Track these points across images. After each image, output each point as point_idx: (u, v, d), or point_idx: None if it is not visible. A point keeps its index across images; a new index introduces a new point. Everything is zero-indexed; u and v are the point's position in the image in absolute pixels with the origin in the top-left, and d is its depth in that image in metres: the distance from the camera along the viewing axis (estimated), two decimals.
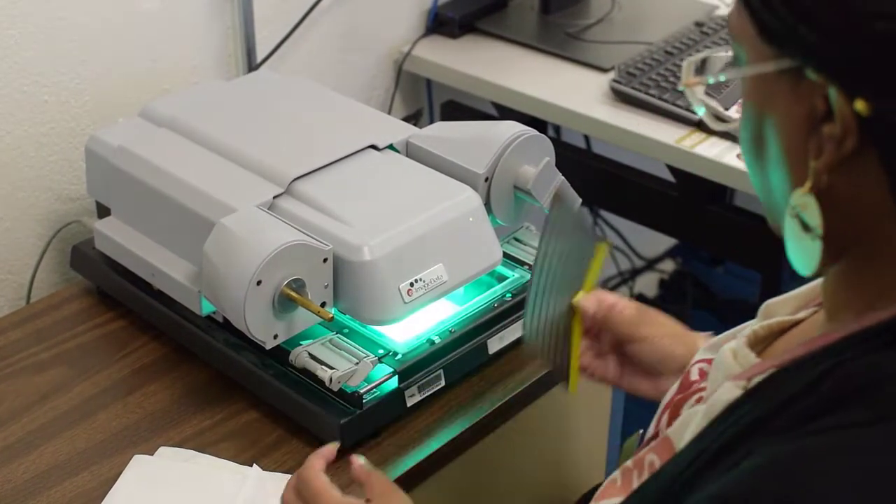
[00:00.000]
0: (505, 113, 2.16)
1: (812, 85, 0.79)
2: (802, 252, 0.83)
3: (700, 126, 1.93)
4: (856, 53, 0.76)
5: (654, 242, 2.91)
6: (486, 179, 1.48)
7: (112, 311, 1.61)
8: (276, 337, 1.35)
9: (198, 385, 1.48)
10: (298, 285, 1.32)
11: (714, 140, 1.91)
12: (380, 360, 1.37)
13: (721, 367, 0.94)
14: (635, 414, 1.73)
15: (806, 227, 0.82)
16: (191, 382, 1.49)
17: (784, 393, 0.81)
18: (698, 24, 2.20)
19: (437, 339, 1.42)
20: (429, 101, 2.31)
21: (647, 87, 1.99)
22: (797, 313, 0.99)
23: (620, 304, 1.25)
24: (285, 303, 1.32)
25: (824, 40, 0.77)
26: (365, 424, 1.35)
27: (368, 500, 1.12)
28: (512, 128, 1.51)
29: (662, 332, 1.26)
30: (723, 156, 1.88)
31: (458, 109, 2.29)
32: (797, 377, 0.82)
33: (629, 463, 0.97)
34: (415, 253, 1.39)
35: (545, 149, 1.53)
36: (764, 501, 0.74)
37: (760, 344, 0.97)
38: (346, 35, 2.13)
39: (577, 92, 2.06)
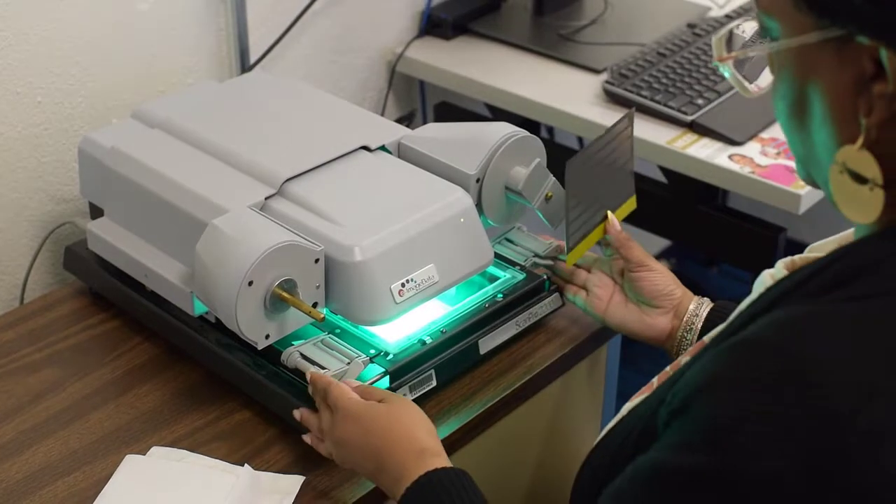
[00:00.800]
0: (498, 114, 2.17)
1: (859, 48, 0.84)
2: (859, 203, 0.89)
3: (692, 127, 1.94)
4: None
5: (647, 243, 2.90)
6: (478, 180, 1.49)
7: (105, 312, 1.61)
8: (267, 337, 1.35)
9: (190, 385, 1.49)
10: (290, 286, 1.32)
11: (705, 141, 1.92)
12: (371, 360, 1.37)
13: (759, 285, 1.03)
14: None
15: (860, 179, 0.87)
16: (183, 382, 1.49)
17: (796, 279, 0.91)
18: (690, 26, 2.21)
19: (428, 340, 1.42)
20: (422, 102, 2.32)
21: (639, 88, 1.99)
22: None
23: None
24: (277, 303, 1.32)
25: (882, 9, 0.82)
26: None
27: (381, 401, 1.26)
28: (503, 129, 1.51)
29: (668, 272, 1.45)
30: (714, 157, 1.88)
31: (452, 111, 2.29)
32: (808, 268, 0.92)
33: (668, 367, 1.08)
34: (406, 253, 1.39)
35: (536, 150, 1.53)
36: (764, 346, 0.84)
37: None
38: (340, 36, 2.13)
39: (569, 93, 2.06)
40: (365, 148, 1.53)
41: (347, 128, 1.58)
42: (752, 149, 1.91)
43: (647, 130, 1.95)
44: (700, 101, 1.96)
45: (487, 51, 2.22)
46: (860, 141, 0.86)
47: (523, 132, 1.51)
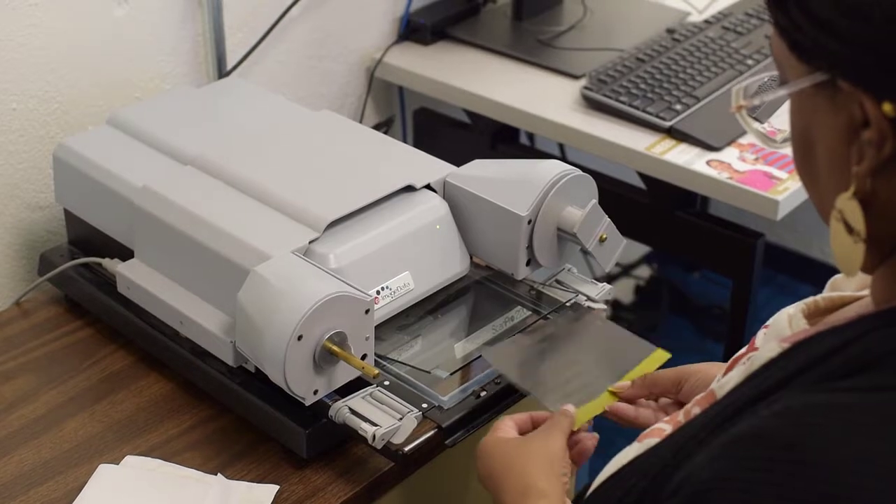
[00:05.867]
0: (478, 120, 2.16)
1: (847, 94, 0.83)
2: (845, 254, 0.87)
3: (670, 133, 1.94)
4: (875, 57, 0.80)
5: (629, 248, 2.92)
6: (530, 222, 1.43)
7: (80, 320, 1.60)
8: (315, 392, 1.29)
9: (165, 394, 1.48)
10: (340, 339, 1.26)
11: (683, 147, 1.92)
12: (424, 414, 1.32)
13: (775, 328, 1.01)
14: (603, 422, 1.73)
15: (850, 229, 0.86)
16: (158, 391, 1.48)
17: (813, 355, 0.87)
18: (670, 31, 2.20)
19: (483, 393, 1.36)
20: (401, 108, 2.32)
21: (617, 93, 1.99)
22: (861, 290, 1.02)
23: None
24: (327, 357, 1.26)
25: (845, 48, 0.81)
26: (331, 434, 1.35)
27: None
28: (555, 168, 1.45)
29: (709, 365, 1.29)
30: (692, 163, 1.88)
31: (431, 116, 2.29)
32: (827, 342, 0.87)
33: (680, 414, 1.03)
34: (381, 261, 1.38)
35: (589, 189, 1.47)
36: (774, 441, 0.80)
37: (821, 314, 1.02)
38: (318, 42, 2.12)
39: (548, 99, 2.06)
40: (410, 187, 1.47)
41: (387, 164, 1.51)
42: (730, 154, 1.90)
43: (625, 136, 1.95)
44: (678, 107, 1.96)
45: (466, 56, 2.21)
46: (851, 189, 0.85)
47: (576, 171, 1.46)
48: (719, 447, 0.83)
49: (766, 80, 0.98)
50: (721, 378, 1.01)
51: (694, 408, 1.01)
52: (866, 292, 1.00)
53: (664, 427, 1.01)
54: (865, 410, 0.80)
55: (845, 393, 0.82)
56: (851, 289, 1.05)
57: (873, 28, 0.79)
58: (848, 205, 0.85)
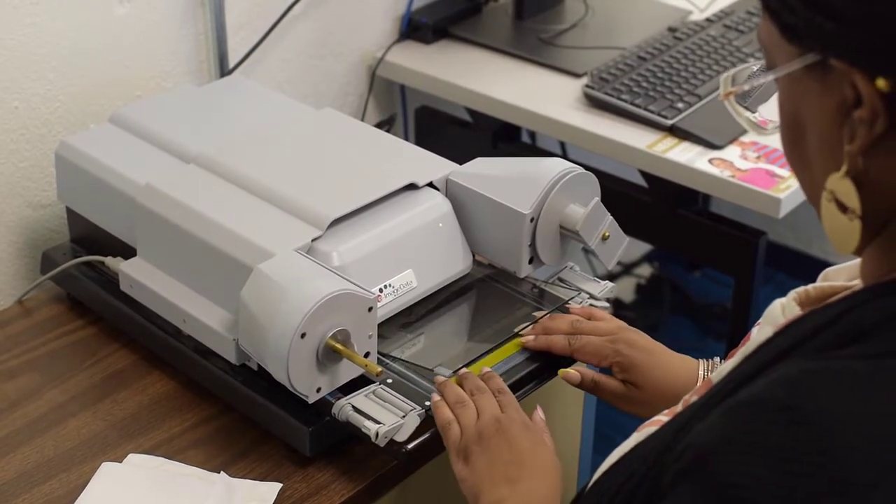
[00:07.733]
0: (479, 119, 2.16)
1: (839, 74, 0.83)
2: (841, 233, 0.88)
3: (672, 131, 1.94)
4: (869, 34, 0.81)
5: (631, 247, 2.92)
6: (532, 220, 1.43)
7: (82, 318, 1.60)
8: (318, 390, 1.28)
9: (168, 392, 1.48)
10: (343, 336, 1.26)
11: (685, 145, 1.92)
12: (427, 412, 1.30)
13: (769, 317, 1.01)
14: (607, 414, 1.73)
15: (844, 208, 0.87)
16: (161, 389, 1.48)
17: (807, 329, 0.89)
18: (671, 30, 2.21)
19: None
20: (402, 106, 2.32)
21: (619, 92, 1.99)
22: (851, 281, 1.03)
23: (603, 383, 1.36)
24: (330, 355, 1.27)
25: (838, 26, 0.81)
26: (334, 432, 1.35)
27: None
28: (558, 165, 1.45)
29: (654, 399, 1.32)
30: (694, 161, 1.88)
31: (432, 115, 2.29)
32: (820, 317, 0.89)
33: (679, 405, 1.04)
34: (384, 259, 1.38)
35: (591, 187, 1.47)
36: (771, 405, 0.81)
37: (812, 303, 1.03)
38: (320, 41, 2.12)
39: (550, 97, 2.06)
40: (412, 185, 1.47)
41: (390, 162, 1.51)
42: (732, 152, 1.90)
43: (626, 134, 1.95)
44: (680, 105, 1.96)
45: (468, 55, 2.21)
46: (844, 168, 0.85)
47: (579, 168, 1.46)
48: (719, 414, 0.85)
49: (754, 68, 0.98)
50: (718, 366, 1.01)
51: (692, 397, 1.02)
52: (857, 282, 1.01)
53: (663, 418, 1.02)
54: (861, 374, 0.82)
55: (838, 361, 0.84)
56: (842, 279, 1.06)
57: (867, 5, 0.80)
58: (841, 184, 0.86)
